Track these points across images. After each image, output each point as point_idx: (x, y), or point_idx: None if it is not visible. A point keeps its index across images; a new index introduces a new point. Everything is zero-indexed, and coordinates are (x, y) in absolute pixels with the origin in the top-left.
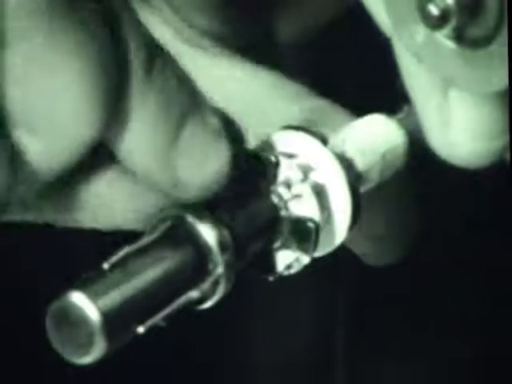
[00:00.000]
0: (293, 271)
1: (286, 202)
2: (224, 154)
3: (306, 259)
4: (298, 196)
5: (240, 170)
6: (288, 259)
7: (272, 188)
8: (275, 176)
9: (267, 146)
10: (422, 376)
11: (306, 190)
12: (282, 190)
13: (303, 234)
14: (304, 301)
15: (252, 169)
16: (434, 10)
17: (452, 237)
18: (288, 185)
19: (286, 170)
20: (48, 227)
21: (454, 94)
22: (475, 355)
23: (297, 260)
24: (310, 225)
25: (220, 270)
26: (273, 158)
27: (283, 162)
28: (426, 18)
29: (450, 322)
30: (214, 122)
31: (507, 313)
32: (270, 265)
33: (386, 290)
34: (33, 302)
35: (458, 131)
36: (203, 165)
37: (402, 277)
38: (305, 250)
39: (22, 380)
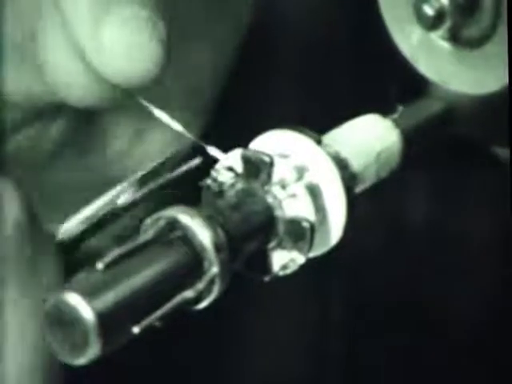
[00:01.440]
0: (288, 271)
1: (280, 202)
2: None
3: (301, 259)
4: (292, 196)
5: (235, 170)
6: (283, 259)
7: (267, 188)
8: (270, 176)
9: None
10: (422, 376)
11: (300, 189)
12: (276, 189)
13: (298, 233)
14: (300, 301)
15: (247, 169)
16: (429, 10)
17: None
18: (283, 185)
19: (281, 170)
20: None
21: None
22: (477, 362)
23: (292, 260)
24: (305, 224)
25: (215, 269)
26: (267, 158)
27: (278, 161)
28: (421, 18)
29: (450, 323)
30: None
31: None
32: (266, 265)
33: (385, 290)
34: None
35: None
36: None
37: (401, 277)
38: (300, 250)
39: None
